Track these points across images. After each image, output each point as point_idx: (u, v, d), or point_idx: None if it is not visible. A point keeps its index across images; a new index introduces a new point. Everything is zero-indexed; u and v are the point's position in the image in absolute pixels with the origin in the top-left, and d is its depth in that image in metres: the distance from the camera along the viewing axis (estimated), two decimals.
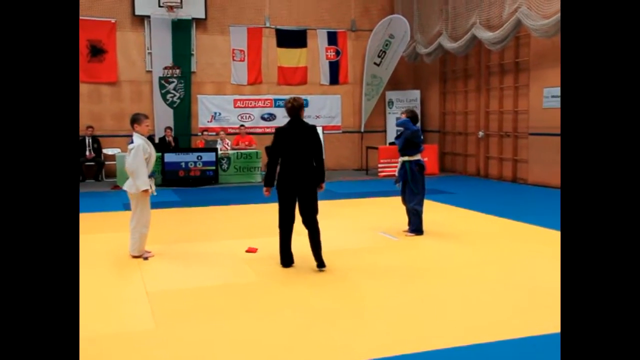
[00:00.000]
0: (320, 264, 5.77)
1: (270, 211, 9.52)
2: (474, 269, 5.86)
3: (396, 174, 7.43)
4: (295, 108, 5.78)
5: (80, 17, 13.97)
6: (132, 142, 6.22)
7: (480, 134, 14.34)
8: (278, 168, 5.81)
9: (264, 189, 5.98)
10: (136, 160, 6.09)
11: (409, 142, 7.20)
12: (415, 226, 7.31)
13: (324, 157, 5.99)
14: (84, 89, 14.24)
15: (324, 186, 5.96)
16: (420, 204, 7.29)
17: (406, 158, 7.25)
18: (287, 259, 5.93)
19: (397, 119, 15.94)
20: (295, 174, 5.72)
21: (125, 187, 6.31)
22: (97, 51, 14.25)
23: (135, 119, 6.26)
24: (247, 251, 6.60)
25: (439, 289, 5.17)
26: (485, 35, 12.80)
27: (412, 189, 7.23)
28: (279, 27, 15.65)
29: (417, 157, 7.28)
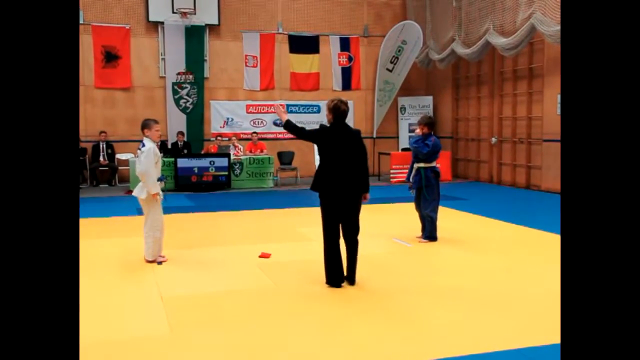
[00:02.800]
0: (352, 281, 5.40)
1: (283, 216, 9.56)
2: (488, 276, 5.81)
3: (410, 179, 7.37)
4: (345, 112, 5.31)
5: (95, 24, 14.13)
6: (143, 145, 6.26)
7: (494, 140, 14.27)
8: (320, 176, 5.28)
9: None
10: (147, 162, 6.13)
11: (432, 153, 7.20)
12: (429, 232, 7.27)
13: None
14: (98, 94, 14.37)
15: (368, 196, 5.46)
16: (435, 211, 7.25)
17: (422, 165, 7.20)
18: (337, 278, 5.34)
19: (410, 125, 15.98)
20: (340, 182, 5.20)
21: (135, 192, 6.33)
22: (111, 57, 14.36)
23: (146, 125, 6.33)
24: (260, 256, 6.58)
25: (451, 297, 5.12)
26: (499, 41, 12.75)
27: (426, 196, 7.18)
28: (291, 33, 15.69)
29: (433, 163, 7.25)
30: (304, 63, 15.87)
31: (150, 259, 6.33)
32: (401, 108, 16.63)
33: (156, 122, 6.44)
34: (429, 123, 7.29)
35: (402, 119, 16.62)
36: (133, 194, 6.42)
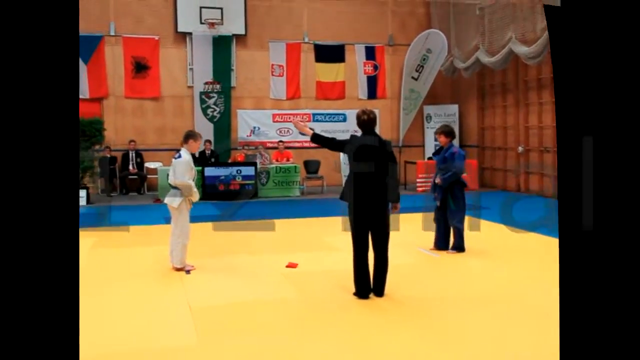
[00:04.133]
0: (380, 293, 5.38)
1: (310, 226, 9.61)
2: (518, 287, 5.77)
3: (436, 192, 7.31)
4: (372, 121, 5.40)
5: (126, 35, 14.45)
6: (179, 156, 6.39)
7: (520, 149, 14.16)
8: (349, 186, 5.33)
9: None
10: (183, 172, 6.27)
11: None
12: (457, 243, 7.23)
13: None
14: (128, 104, 14.66)
15: (399, 207, 5.49)
16: (462, 222, 7.22)
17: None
18: (365, 289, 5.35)
19: (435, 133, 15.92)
20: (368, 192, 5.22)
21: (167, 200, 6.45)
22: (141, 67, 14.65)
23: (192, 135, 6.52)
24: (287, 266, 6.64)
25: (482, 308, 5.11)
26: (521, 49, 12.67)
27: (452, 207, 7.14)
28: (317, 42, 15.81)
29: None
30: (330, 72, 15.96)
31: (179, 266, 6.44)
32: (427, 117, 16.61)
33: (201, 136, 6.72)
34: (446, 131, 7.22)
35: (427, 127, 16.57)
36: (164, 201, 6.55)
